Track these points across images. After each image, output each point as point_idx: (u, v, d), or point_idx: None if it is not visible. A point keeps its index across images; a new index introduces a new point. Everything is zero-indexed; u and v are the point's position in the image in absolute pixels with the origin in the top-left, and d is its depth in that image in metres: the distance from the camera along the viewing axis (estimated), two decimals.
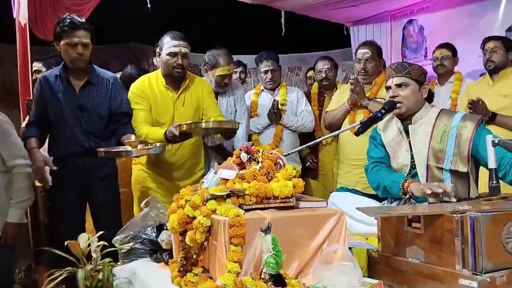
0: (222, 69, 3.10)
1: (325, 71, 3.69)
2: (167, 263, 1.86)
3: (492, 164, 1.65)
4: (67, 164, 2.53)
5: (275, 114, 3.38)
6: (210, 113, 2.86)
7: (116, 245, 2.04)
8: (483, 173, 2.05)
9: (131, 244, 2.01)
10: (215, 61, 3.10)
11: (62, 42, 2.50)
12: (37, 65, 3.35)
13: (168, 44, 2.72)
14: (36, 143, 2.53)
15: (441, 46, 3.69)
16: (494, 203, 1.63)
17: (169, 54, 2.72)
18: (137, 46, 6.32)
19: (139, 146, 2.36)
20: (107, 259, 1.92)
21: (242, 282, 1.31)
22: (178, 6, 5.46)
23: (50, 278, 1.83)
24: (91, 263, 1.87)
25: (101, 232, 2.06)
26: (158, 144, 2.48)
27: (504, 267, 1.38)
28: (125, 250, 2.03)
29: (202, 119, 2.84)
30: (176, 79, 2.79)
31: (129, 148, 2.35)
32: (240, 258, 1.44)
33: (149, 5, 4.10)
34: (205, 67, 3.20)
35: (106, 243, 1.95)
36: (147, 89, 2.77)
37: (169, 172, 2.87)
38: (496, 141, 1.64)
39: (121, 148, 2.42)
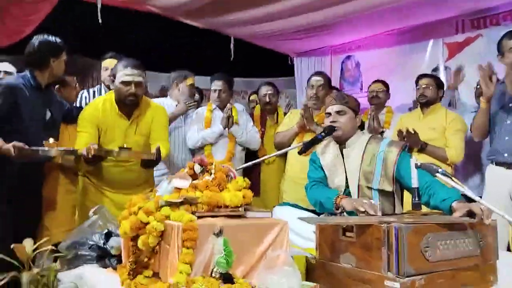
0: (191, 79, 3.59)
1: (268, 95, 3.94)
2: (115, 269, 1.90)
3: (415, 183, 1.88)
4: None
5: (228, 119, 3.51)
6: (156, 136, 2.85)
7: (62, 251, 2.05)
8: (408, 194, 2.31)
9: (78, 250, 2.03)
10: (184, 73, 3.55)
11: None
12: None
13: (121, 72, 2.70)
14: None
15: (377, 81, 4.10)
16: (415, 217, 1.86)
17: (122, 82, 2.70)
18: (81, 59, 6.24)
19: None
20: (54, 264, 1.92)
21: (193, 280, 1.41)
22: (127, 23, 5.50)
23: None
24: (37, 267, 1.86)
25: (46, 238, 2.05)
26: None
27: (423, 272, 1.58)
28: (70, 257, 2.04)
29: None
30: (129, 106, 2.78)
31: (46, 149, 2.39)
32: (191, 260, 1.53)
33: (100, 20, 4.13)
34: (175, 81, 3.56)
35: (54, 248, 1.95)
36: (100, 115, 2.75)
37: (117, 186, 2.85)
38: (418, 164, 1.88)
39: (40, 148, 2.39)
